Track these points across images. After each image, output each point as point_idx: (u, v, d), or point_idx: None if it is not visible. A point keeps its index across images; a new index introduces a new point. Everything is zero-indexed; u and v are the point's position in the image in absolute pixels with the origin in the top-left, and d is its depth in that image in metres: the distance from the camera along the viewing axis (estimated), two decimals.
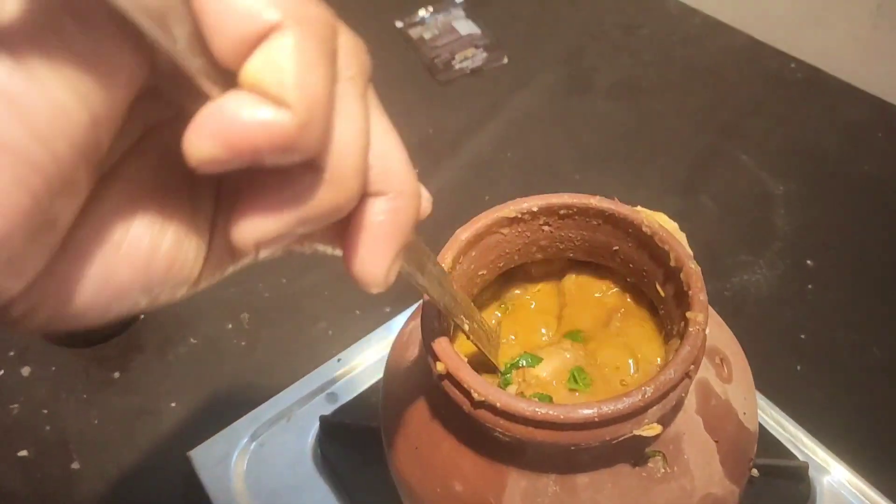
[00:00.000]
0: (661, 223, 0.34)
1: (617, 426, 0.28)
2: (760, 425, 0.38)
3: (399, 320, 0.60)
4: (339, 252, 0.20)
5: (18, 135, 0.13)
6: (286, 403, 0.55)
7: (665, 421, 0.30)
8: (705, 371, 0.34)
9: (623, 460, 0.31)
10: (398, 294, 0.61)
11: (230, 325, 0.64)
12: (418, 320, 0.33)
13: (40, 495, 0.54)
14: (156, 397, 0.59)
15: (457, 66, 0.90)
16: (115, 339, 0.63)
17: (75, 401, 0.59)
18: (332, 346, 0.59)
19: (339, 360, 0.58)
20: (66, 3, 0.13)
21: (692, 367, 0.29)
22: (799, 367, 0.58)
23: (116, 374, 0.61)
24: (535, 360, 0.35)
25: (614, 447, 0.29)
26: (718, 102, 0.84)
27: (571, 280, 0.40)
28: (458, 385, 0.29)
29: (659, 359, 0.36)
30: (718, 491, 0.32)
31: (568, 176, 0.76)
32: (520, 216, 0.36)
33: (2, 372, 0.62)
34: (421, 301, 0.34)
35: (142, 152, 0.18)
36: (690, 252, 0.33)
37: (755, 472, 0.40)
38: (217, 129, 0.14)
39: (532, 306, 0.40)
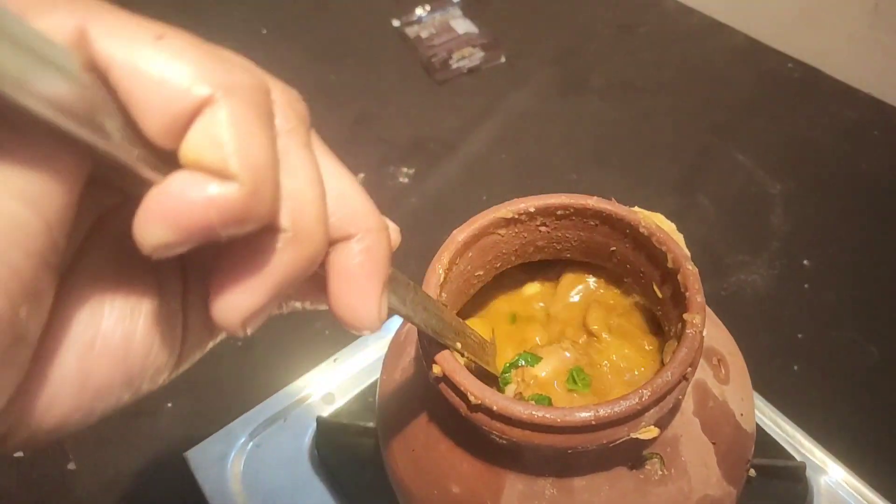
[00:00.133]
0: (659, 223, 0.34)
1: (614, 429, 0.28)
2: (758, 426, 0.38)
3: (396, 321, 0.59)
4: (322, 306, 0.20)
5: None
6: (283, 404, 0.55)
7: (662, 423, 0.30)
8: (703, 372, 0.34)
9: (620, 463, 0.31)
10: None
11: None
12: None
13: (36, 496, 0.54)
14: (152, 397, 0.58)
15: (454, 66, 0.89)
16: None
17: None
18: (329, 347, 0.59)
19: (335, 360, 0.58)
20: None
21: (689, 369, 0.29)
22: (796, 367, 0.58)
23: None
24: (535, 359, 0.35)
25: (611, 450, 0.29)
26: (715, 102, 0.84)
27: (569, 280, 0.40)
28: (454, 388, 0.29)
29: (656, 360, 0.36)
30: (716, 492, 0.32)
31: (565, 175, 0.76)
32: (517, 217, 0.36)
33: None
34: None
35: (97, 242, 0.17)
36: (688, 253, 0.33)
37: (752, 472, 0.40)
38: (165, 213, 0.14)
39: (529, 307, 0.40)
